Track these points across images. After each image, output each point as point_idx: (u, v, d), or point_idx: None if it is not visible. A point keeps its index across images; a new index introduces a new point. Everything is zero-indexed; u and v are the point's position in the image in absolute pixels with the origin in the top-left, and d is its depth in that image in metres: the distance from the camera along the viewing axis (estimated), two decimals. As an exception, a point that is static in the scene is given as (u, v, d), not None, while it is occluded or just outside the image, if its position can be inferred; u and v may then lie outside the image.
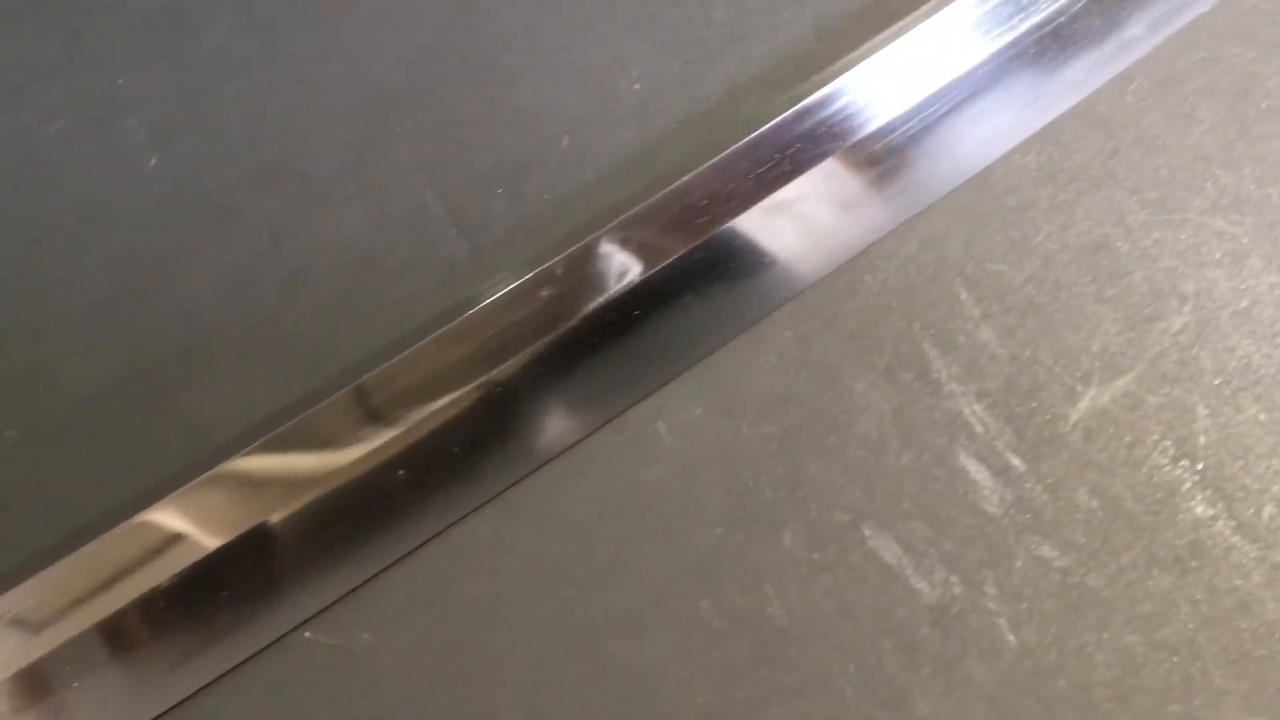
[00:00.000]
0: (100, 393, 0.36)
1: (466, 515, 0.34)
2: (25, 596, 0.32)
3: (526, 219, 0.37)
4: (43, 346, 0.36)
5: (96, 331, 0.36)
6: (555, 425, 0.35)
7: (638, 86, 0.38)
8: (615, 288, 0.34)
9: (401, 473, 0.33)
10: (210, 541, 0.32)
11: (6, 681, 0.31)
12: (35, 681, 0.32)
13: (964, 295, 0.35)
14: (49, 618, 0.32)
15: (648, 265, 0.34)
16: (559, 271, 0.33)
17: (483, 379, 0.34)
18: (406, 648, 0.33)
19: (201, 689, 0.33)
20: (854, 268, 0.36)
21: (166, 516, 0.32)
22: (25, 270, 0.37)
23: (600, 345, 0.34)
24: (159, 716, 0.32)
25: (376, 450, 0.33)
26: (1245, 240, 0.36)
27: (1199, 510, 0.34)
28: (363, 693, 0.33)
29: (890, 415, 0.35)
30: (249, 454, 0.33)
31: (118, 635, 0.32)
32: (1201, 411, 0.35)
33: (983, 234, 0.36)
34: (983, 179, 0.36)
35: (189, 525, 0.33)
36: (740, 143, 0.35)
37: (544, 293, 0.33)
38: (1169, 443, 0.34)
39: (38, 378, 0.36)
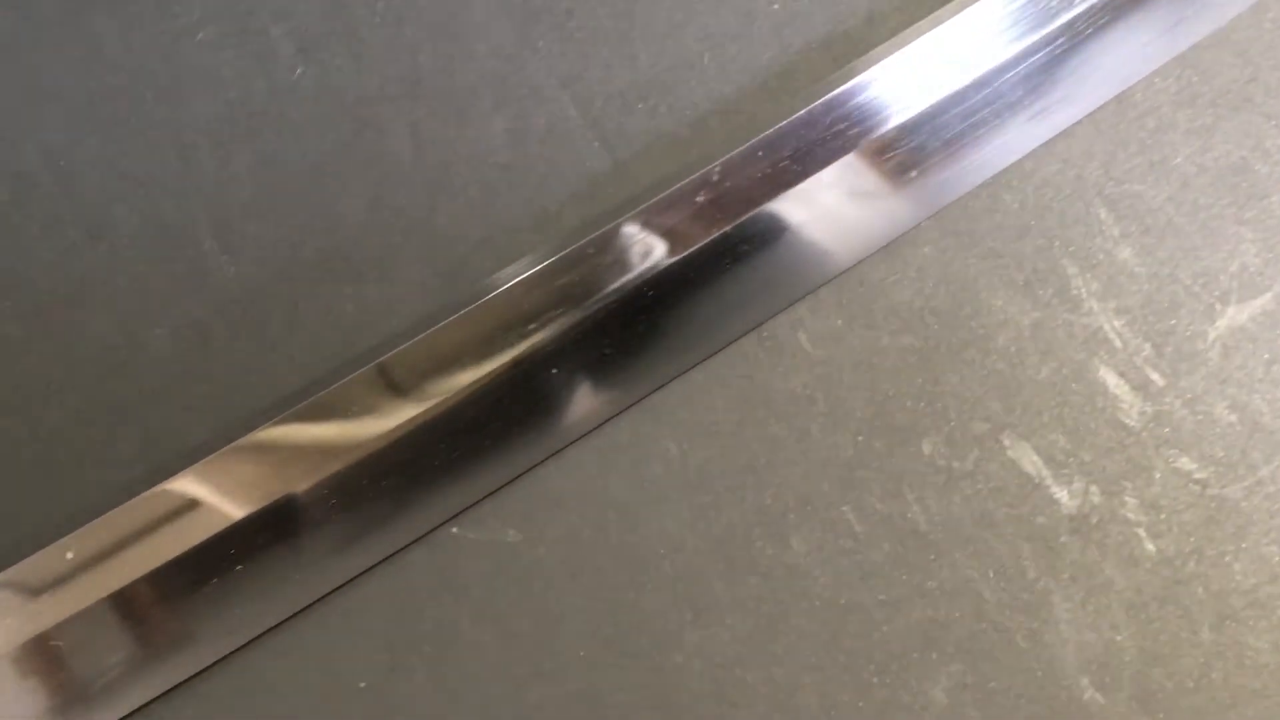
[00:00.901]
0: (244, 295, 0.37)
1: (611, 418, 0.35)
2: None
3: (666, 134, 0.38)
4: (191, 249, 0.37)
5: (242, 235, 0.37)
6: (698, 333, 0.35)
7: (776, 6, 0.38)
8: (762, 201, 0.34)
9: (554, 371, 0.34)
10: (376, 432, 0.33)
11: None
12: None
13: (1103, 215, 0.36)
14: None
15: (794, 179, 0.35)
16: (714, 177, 0.34)
17: (630, 282, 0.34)
18: (552, 544, 0.34)
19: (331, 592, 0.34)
20: (993, 187, 0.36)
21: (321, 413, 0.33)
22: (175, 176, 0.38)
23: (744, 255, 0.35)
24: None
25: (523, 352, 0.34)
26: (1378, 169, 0.37)
27: (1333, 429, 0.34)
28: (509, 587, 0.34)
29: (1029, 330, 0.35)
30: (403, 351, 0.34)
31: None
32: (1335, 334, 0.35)
33: (1122, 155, 0.36)
34: (1121, 101, 0.37)
35: (343, 425, 0.33)
36: (884, 60, 0.35)
37: (700, 197, 0.34)
38: (1303, 363, 0.35)
39: (186, 279, 0.37)
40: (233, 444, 0.32)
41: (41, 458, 0.35)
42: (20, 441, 0.35)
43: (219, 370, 0.36)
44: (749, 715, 0.33)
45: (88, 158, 0.38)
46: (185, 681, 0.33)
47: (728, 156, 0.34)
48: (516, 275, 0.34)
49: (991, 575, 0.33)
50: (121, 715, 0.33)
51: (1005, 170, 0.36)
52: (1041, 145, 0.37)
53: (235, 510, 0.32)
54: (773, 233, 0.35)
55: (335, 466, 0.33)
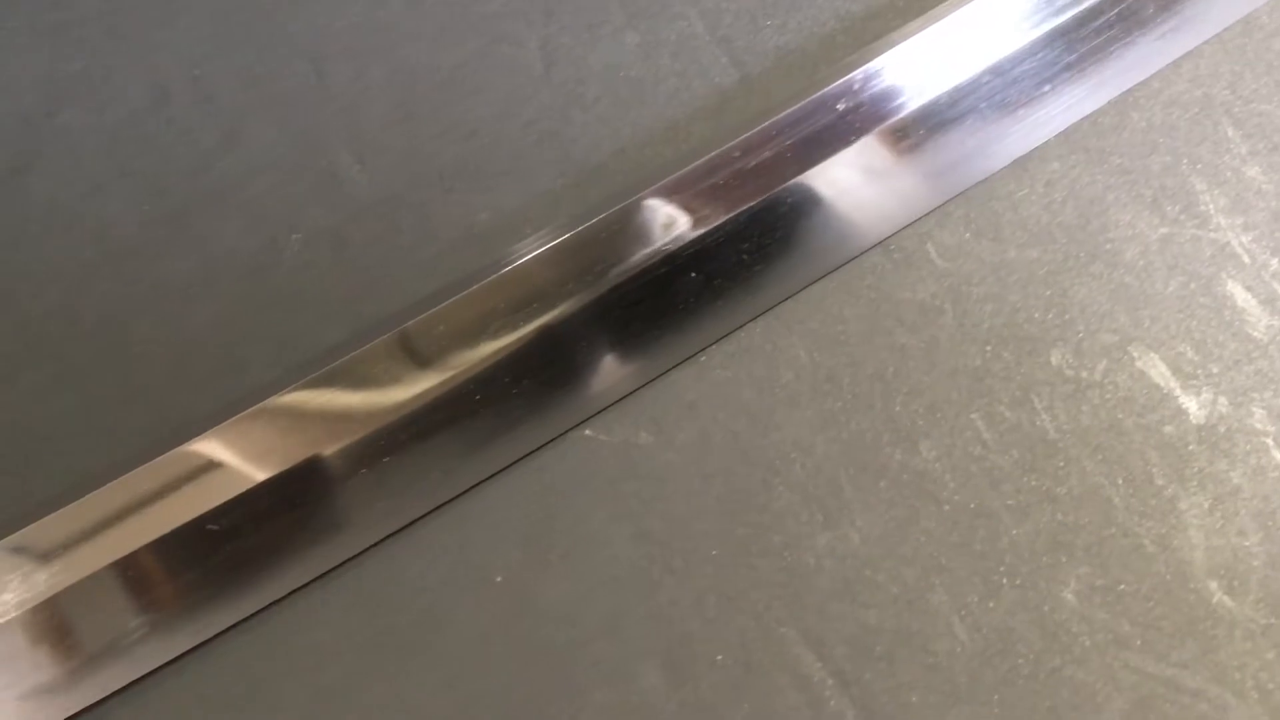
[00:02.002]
0: (378, 203, 0.37)
1: (743, 325, 0.35)
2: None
3: (793, 50, 0.38)
4: (324, 159, 0.38)
5: (375, 146, 0.38)
6: (829, 244, 0.36)
7: (903, -74, 0.39)
8: (903, 107, 0.35)
9: (692, 275, 0.34)
10: (519, 333, 0.34)
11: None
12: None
13: (1230, 133, 0.36)
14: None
15: (932, 87, 0.35)
16: (855, 85, 0.34)
17: (769, 193, 0.35)
18: (683, 447, 0.35)
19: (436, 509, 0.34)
20: (1121, 105, 0.37)
21: (459, 311, 0.34)
22: (309, 87, 0.38)
23: (876, 169, 0.35)
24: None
25: (665, 257, 0.34)
26: None
27: None
28: (641, 488, 0.34)
29: (1157, 245, 0.36)
30: (542, 254, 0.34)
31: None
32: None
33: (1249, 76, 0.37)
34: (1249, 23, 0.37)
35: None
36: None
37: (840, 105, 0.35)
38: None
39: (320, 187, 0.38)
40: (411, 322, 0.33)
41: (179, 361, 0.36)
42: (159, 345, 0.36)
43: (353, 276, 0.37)
44: (880, 615, 0.33)
45: (223, 68, 0.39)
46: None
47: (867, 66, 0.35)
48: (662, 179, 0.34)
49: (1120, 482, 0.34)
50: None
51: (1133, 89, 0.37)
52: (1169, 65, 0.37)
53: (382, 404, 0.33)
54: (906, 151, 0.35)
55: (481, 366, 0.34)
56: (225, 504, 0.32)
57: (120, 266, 0.37)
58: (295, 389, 0.33)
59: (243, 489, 0.32)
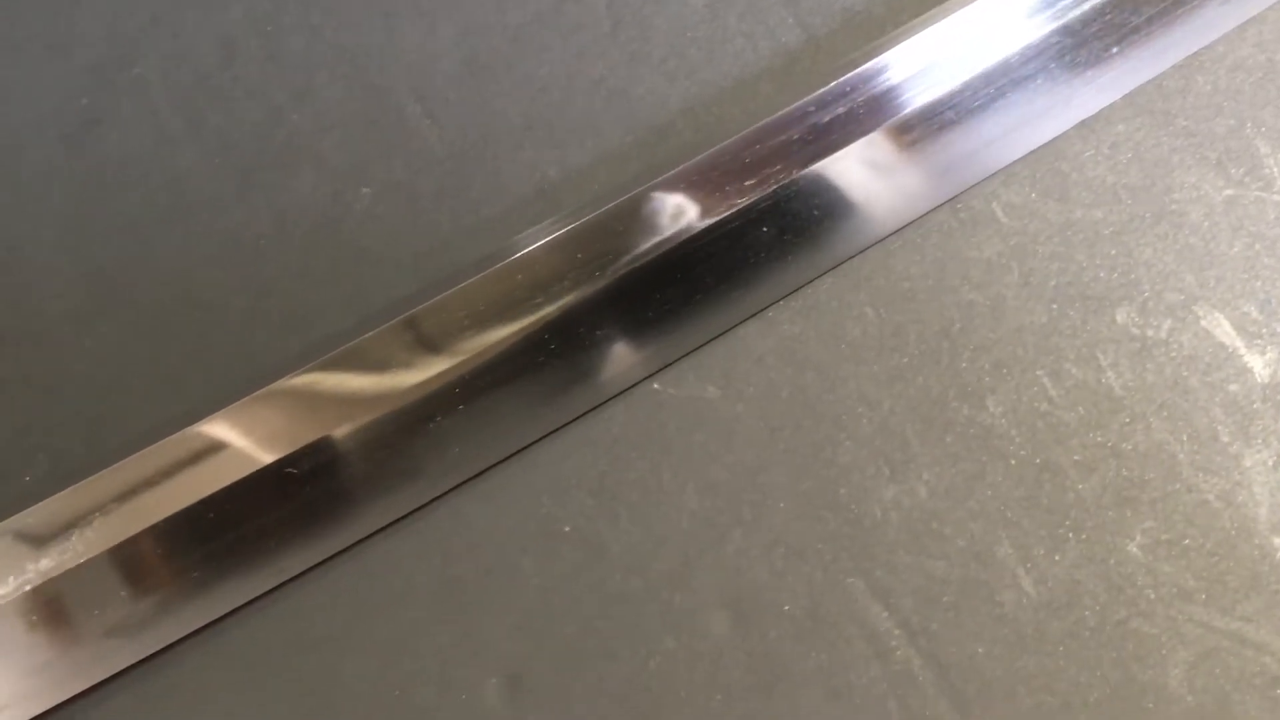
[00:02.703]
0: (448, 158, 0.38)
1: (811, 281, 0.36)
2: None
3: (859, 11, 0.38)
4: (394, 114, 0.38)
5: (445, 101, 0.38)
6: (895, 202, 0.36)
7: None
8: (972, 68, 0.35)
9: (764, 230, 0.35)
10: (594, 286, 0.34)
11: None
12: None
13: (1295, 97, 0.37)
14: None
15: (1002, 47, 0.35)
16: (924, 45, 0.35)
17: (838, 151, 0.35)
18: (751, 401, 0.35)
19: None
20: (1186, 69, 0.37)
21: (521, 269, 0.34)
22: (379, 44, 0.39)
23: (944, 128, 0.36)
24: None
25: (735, 212, 0.35)
26: None
27: None
28: (708, 440, 0.35)
29: (1221, 206, 0.36)
30: (611, 210, 0.35)
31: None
32: None
33: (1314, 40, 0.37)
34: (1314, -12, 0.38)
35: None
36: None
37: (908, 66, 0.35)
38: None
39: (390, 142, 0.38)
40: (488, 270, 0.33)
41: (250, 312, 0.36)
42: (229, 296, 0.37)
43: (423, 230, 0.37)
44: (946, 567, 0.34)
45: (293, 24, 0.39)
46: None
47: (935, 27, 0.35)
48: (730, 136, 0.35)
49: (1185, 439, 0.34)
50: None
51: (1198, 53, 0.37)
52: (1234, 29, 0.37)
53: (461, 351, 0.33)
54: (973, 110, 0.36)
55: (555, 317, 0.34)
56: (303, 449, 0.33)
57: (192, 218, 0.37)
58: (373, 335, 0.33)
59: (315, 437, 0.33)
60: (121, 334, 0.36)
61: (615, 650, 0.33)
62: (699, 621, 0.33)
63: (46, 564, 0.31)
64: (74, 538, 0.31)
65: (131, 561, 0.32)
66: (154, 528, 0.32)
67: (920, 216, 0.36)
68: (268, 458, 0.32)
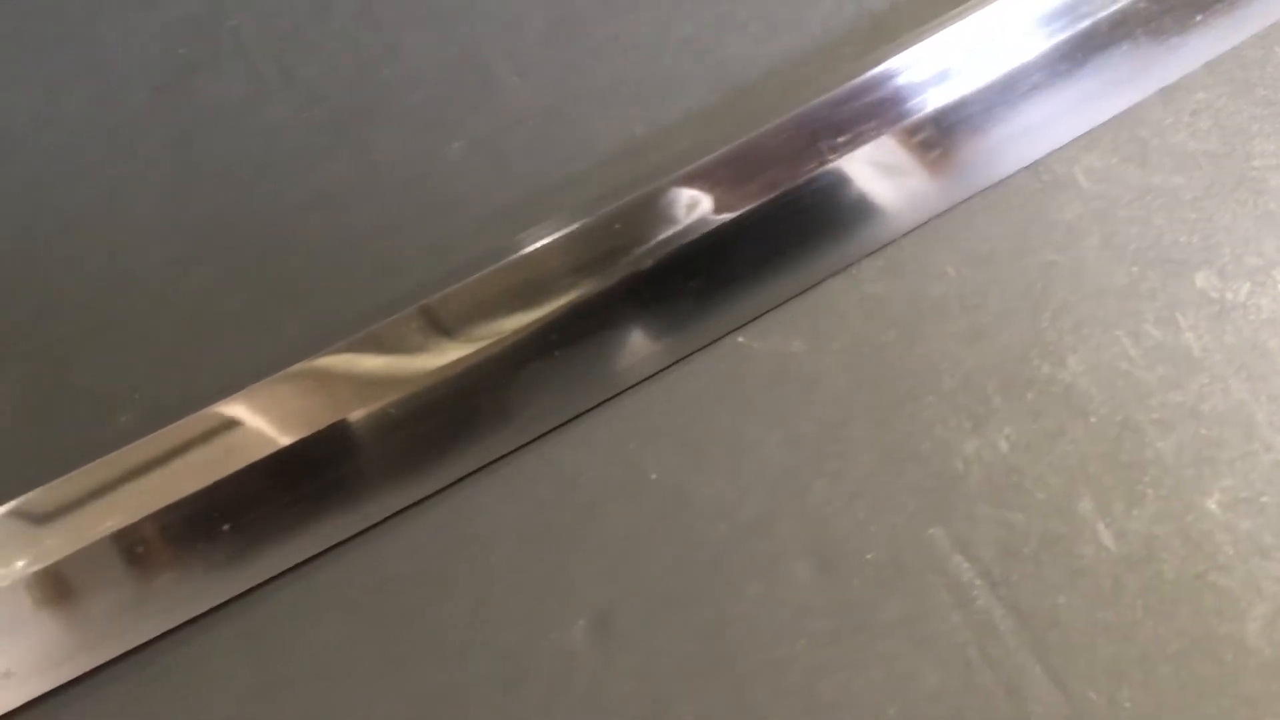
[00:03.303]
0: (536, 114, 0.38)
1: (894, 240, 0.37)
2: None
3: (933, -13, 0.39)
4: (483, 71, 0.39)
5: (532, 60, 0.39)
6: (979, 163, 0.37)
7: None
8: (1060, 31, 0.36)
9: (852, 187, 0.36)
10: (657, 253, 0.35)
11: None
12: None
13: (1374, 68, 0.37)
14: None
15: (1090, 11, 0.36)
16: (1012, 8, 0.36)
17: (924, 110, 0.36)
18: (835, 355, 0.36)
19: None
20: (1266, 39, 0.38)
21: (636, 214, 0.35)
22: (471, 2, 0.39)
23: (1028, 91, 0.36)
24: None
25: (825, 168, 0.35)
26: None
27: None
28: (793, 394, 0.35)
29: (1301, 174, 0.37)
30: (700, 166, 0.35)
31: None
32: None
33: (1393, 13, 0.38)
34: (1394, -38, 0.38)
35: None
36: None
37: (994, 27, 0.36)
38: None
39: (479, 99, 0.39)
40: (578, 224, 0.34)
41: (340, 263, 0.37)
42: (320, 246, 0.37)
43: (510, 186, 0.38)
44: (1027, 519, 0.34)
45: (384, -19, 0.40)
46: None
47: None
48: (815, 98, 0.36)
49: (1264, 399, 0.35)
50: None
51: (1277, 23, 0.38)
52: (1316, 0, 0.38)
53: (559, 297, 0.34)
54: (1058, 75, 0.36)
55: (647, 265, 0.35)
56: (398, 398, 0.33)
57: (284, 169, 0.38)
58: (455, 287, 0.34)
59: (406, 393, 0.33)
60: (216, 281, 0.37)
61: (700, 595, 0.34)
62: (782, 569, 0.34)
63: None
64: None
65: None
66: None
67: (1002, 179, 0.37)
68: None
